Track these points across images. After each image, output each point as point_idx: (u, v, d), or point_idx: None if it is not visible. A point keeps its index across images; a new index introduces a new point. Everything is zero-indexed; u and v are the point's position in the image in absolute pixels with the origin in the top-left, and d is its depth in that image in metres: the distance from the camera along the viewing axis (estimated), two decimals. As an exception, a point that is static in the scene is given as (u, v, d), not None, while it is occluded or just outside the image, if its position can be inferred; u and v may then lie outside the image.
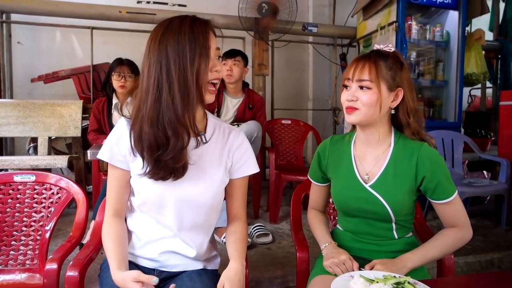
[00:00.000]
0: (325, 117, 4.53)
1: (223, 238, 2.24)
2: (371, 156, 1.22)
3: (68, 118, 3.14)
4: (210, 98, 1.04)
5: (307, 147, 4.61)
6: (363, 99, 1.13)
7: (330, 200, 1.54)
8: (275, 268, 2.01)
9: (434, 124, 3.42)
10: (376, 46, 1.22)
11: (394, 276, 0.96)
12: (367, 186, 1.19)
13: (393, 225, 1.21)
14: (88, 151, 2.00)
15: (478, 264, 2.27)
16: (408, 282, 0.91)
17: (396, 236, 1.22)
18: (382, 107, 1.15)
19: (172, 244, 1.12)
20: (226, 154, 1.15)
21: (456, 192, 1.17)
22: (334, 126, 4.16)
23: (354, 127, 1.29)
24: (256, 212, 2.92)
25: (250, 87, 3.15)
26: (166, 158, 0.99)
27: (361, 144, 1.25)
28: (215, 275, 1.19)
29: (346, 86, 1.19)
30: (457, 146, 3.00)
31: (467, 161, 3.52)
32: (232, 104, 2.87)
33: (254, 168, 1.19)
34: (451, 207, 1.17)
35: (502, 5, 4.98)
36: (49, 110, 3.14)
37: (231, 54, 2.80)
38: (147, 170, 1.03)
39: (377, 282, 0.92)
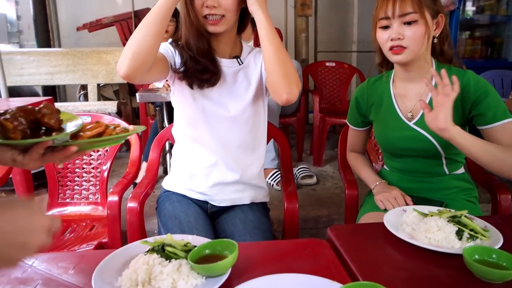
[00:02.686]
0: (371, 59, 4.32)
1: (268, 178, 2.29)
2: (412, 93, 1.16)
3: (114, 65, 3.22)
4: (212, 28, 1.07)
5: (351, 90, 4.47)
6: (411, 34, 1.05)
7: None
8: (320, 208, 2.05)
9: (492, 63, 3.16)
10: None
11: (450, 211, 0.94)
12: (411, 124, 1.15)
13: (443, 160, 1.17)
14: (137, 94, 2.06)
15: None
16: (465, 216, 0.89)
17: (446, 171, 1.18)
18: (429, 38, 1.09)
19: (217, 173, 1.15)
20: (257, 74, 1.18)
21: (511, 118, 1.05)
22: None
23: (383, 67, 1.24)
24: (300, 155, 2.94)
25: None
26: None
27: (401, 82, 1.19)
28: (265, 208, 1.23)
29: (385, 27, 1.10)
30: (518, 87, 2.78)
31: (527, 103, 3.28)
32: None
33: None
34: (505, 132, 1.05)
35: None
36: (96, 57, 3.23)
37: None
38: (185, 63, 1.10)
39: (432, 215, 0.90)
